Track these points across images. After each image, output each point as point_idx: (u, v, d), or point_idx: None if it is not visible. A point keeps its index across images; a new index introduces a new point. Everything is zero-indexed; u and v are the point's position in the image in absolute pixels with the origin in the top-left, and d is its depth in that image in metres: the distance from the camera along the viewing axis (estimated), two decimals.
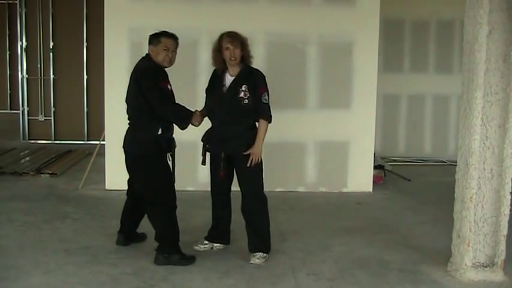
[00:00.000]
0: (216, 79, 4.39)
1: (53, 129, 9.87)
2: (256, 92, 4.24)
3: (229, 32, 4.30)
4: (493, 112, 3.91)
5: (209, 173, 4.45)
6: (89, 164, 6.79)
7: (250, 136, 4.28)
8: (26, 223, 5.15)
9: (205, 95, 4.48)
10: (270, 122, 4.31)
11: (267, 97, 4.28)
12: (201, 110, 4.37)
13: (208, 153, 4.38)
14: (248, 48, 4.30)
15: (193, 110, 4.29)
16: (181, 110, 4.21)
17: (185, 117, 4.21)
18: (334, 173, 6.57)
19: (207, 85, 4.47)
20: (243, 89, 4.23)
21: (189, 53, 5.96)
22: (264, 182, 4.38)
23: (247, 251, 4.35)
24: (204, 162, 4.39)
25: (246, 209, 4.35)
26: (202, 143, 4.39)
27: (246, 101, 4.24)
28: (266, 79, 4.33)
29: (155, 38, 4.20)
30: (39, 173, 7.18)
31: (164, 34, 4.22)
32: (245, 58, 4.29)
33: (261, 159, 4.32)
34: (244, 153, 4.23)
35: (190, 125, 4.23)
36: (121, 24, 6.24)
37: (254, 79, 4.28)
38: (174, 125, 4.25)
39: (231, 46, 4.21)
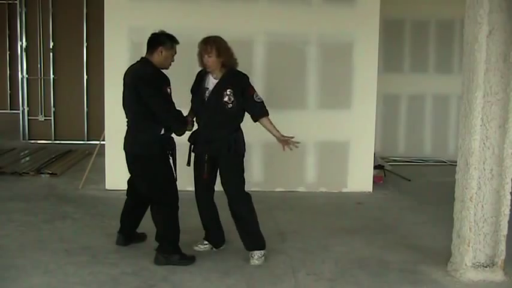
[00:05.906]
0: (200, 80, 4.34)
1: (53, 129, 9.85)
2: (246, 94, 4.20)
3: (205, 38, 4.21)
4: (493, 112, 3.90)
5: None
6: (89, 164, 6.79)
7: (233, 138, 4.23)
8: (26, 223, 5.15)
9: (191, 96, 4.41)
10: (268, 115, 4.31)
11: (259, 95, 4.25)
12: (189, 114, 4.34)
13: (193, 155, 4.38)
14: (228, 53, 4.19)
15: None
16: (182, 117, 4.22)
17: (183, 124, 4.24)
18: (334, 173, 6.57)
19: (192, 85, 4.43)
20: (228, 93, 4.17)
21: (189, 53, 5.92)
22: (245, 181, 4.33)
23: (247, 251, 4.34)
24: (188, 163, 4.38)
25: (233, 211, 4.32)
26: (188, 143, 4.39)
27: (230, 105, 4.18)
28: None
29: (169, 41, 4.17)
30: (39, 173, 7.18)
31: (175, 40, 4.21)
32: (225, 65, 4.20)
33: (243, 161, 4.31)
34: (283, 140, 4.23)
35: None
36: (121, 24, 6.24)
37: (239, 83, 4.22)
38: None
39: (205, 54, 4.16)
